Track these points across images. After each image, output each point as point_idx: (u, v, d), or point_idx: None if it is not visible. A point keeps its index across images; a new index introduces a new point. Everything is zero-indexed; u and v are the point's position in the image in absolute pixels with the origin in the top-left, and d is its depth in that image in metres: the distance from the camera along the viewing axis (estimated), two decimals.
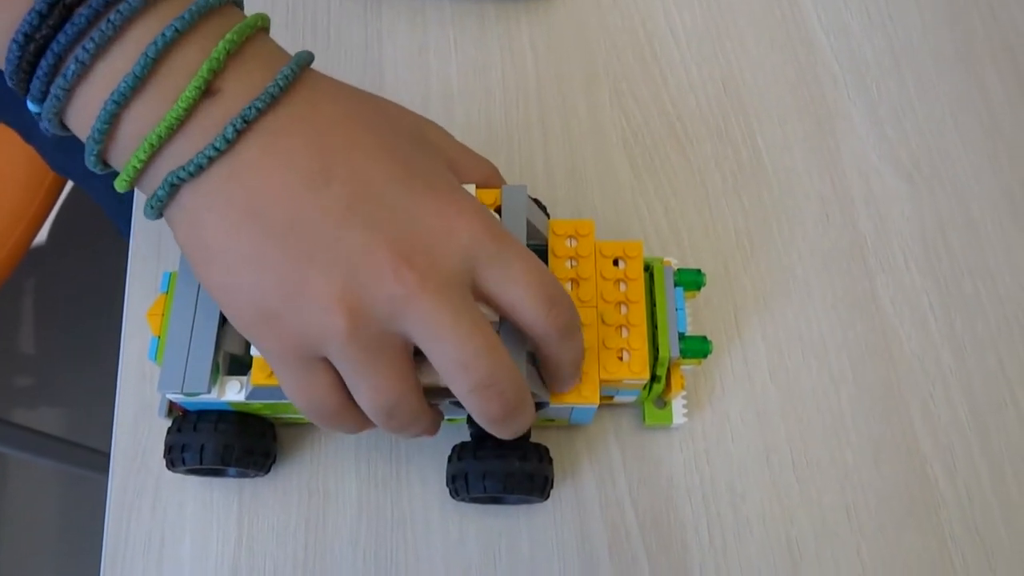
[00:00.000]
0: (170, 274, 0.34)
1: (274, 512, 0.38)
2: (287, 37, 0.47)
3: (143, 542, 0.37)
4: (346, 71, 0.47)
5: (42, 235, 1.27)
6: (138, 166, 0.27)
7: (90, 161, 0.27)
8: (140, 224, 0.43)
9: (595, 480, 0.39)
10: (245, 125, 0.26)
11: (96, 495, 1.10)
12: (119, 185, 0.28)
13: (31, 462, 1.14)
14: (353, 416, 0.30)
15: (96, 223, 1.16)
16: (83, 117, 0.27)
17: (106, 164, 0.28)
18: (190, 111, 0.26)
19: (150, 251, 0.42)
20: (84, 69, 0.26)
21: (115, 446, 0.38)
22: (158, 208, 0.27)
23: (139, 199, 0.43)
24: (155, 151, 0.26)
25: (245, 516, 0.37)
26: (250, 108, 0.26)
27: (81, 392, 1.19)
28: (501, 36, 0.48)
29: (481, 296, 0.29)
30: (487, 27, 0.48)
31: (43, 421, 1.19)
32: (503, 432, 0.30)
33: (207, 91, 0.26)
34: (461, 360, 0.27)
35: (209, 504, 0.37)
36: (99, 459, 1.00)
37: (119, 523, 0.37)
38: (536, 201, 0.39)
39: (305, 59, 0.29)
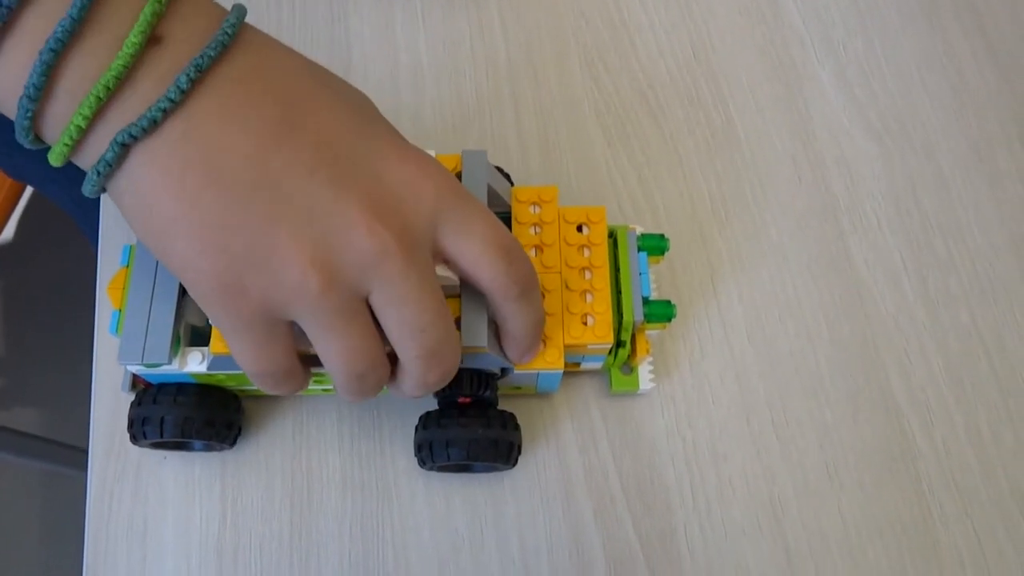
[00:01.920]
0: (130, 247, 0.33)
1: (257, 490, 0.37)
2: (251, 12, 0.46)
3: (125, 526, 0.36)
4: (312, 47, 0.46)
5: (8, 233, 1.25)
6: (82, 125, 0.24)
7: (22, 129, 0.24)
8: (109, 219, 0.43)
9: (578, 447, 0.39)
10: (199, 74, 0.24)
11: (75, 492, 1.08)
12: (55, 157, 0.25)
13: (8, 461, 1.12)
14: (301, 378, 0.29)
15: (66, 220, 1.14)
16: (13, 76, 0.24)
17: (39, 137, 0.25)
18: (136, 59, 0.24)
19: (120, 245, 0.42)
20: (11, 15, 0.23)
21: (93, 432, 0.38)
22: (105, 174, 0.25)
23: (106, 203, 0.42)
24: (101, 106, 0.24)
25: (228, 495, 0.37)
26: (203, 56, 0.24)
27: (56, 391, 1.18)
28: (469, 8, 0.48)
29: (440, 256, 0.28)
30: (455, 0, 0.48)
31: (19, 421, 1.18)
32: (419, 394, 0.30)
33: (151, 38, 0.24)
34: (418, 325, 0.26)
35: (191, 484, 0.37)
36: (77, 456, 0.99)
37: (100, 508, 0.37)
38: (499, 169, 0.39)
39: (244, 11, 0.27)
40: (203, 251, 0.25)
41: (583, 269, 0.35)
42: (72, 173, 0.28)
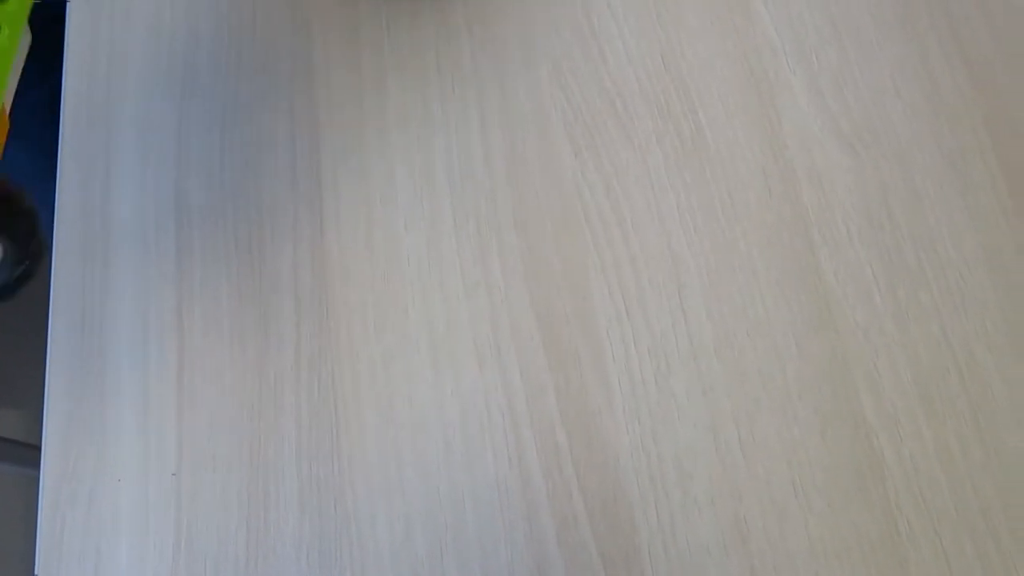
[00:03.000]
0: None
1: (213, 515, 0.37)
2: (213, 24, 0.46)
3: (77, 552, 0.36)
4: (274, 54, 0.46)
5: None
6: None
7: None
8: (64, 220, 0.42)
9: (541, 468, 0.38)
10: None
11: None
12: None
13: None
14: None
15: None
16: None
17: None
18: None
19: (75, 251, 0.41)
20: None
21: (45, 457, 0.37)
22: None
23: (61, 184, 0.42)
24: None
25: (183, 520, 0.37)
26: None
27: (39, 395, 1.17)
28: (435, 16, 0.47)
29: None
30: (420, 7, 0.47)
31: (2, 425, 1.17)
32: None
33: None
34: None
35: (145, 509, 0.37)
36: None
37: (51, 535, 0.36)
38: None
39: None
40: None
41: None
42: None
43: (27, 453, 1.00)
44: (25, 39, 0.34)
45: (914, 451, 0.40)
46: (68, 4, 0.50)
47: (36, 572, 0.36)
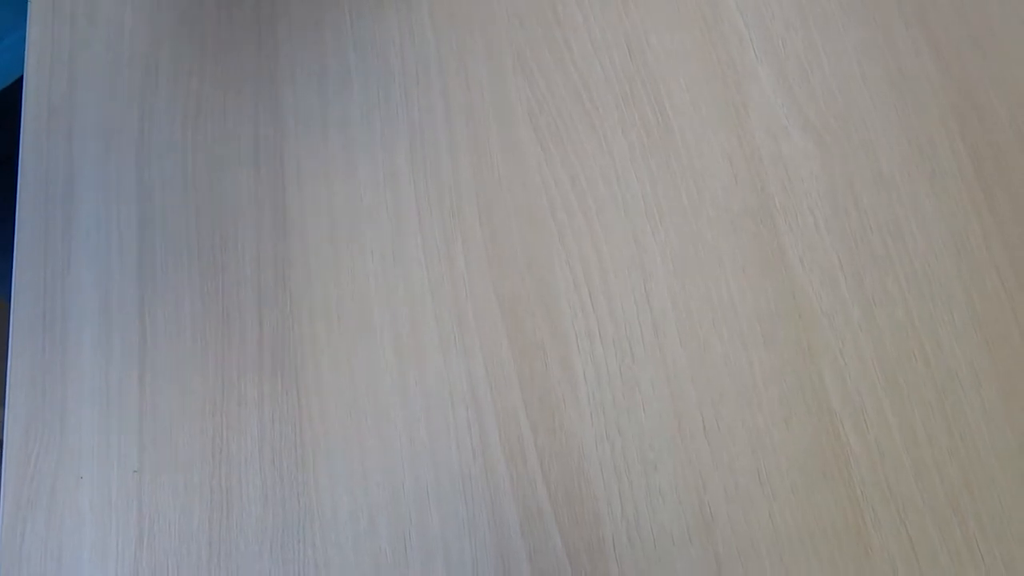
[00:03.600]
0: None
1: (175, 511, 0.37)
2: (175, 20, 0.45)
3: (40, 551, 0.36)
4: (239, 48, 0.45)
5: None
6: None
7: None
8: (25, 218, 0.42)
9: (505, 460, 0.38)
10: None
11: None
12: None
13: None
14: None
15: None
16: None
17: None
18: None
19: (36, 249, 0.41)
20: None
21: (6, 456, 0.37)
22: None
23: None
24: None
25: (146, 516, 0.36)
26: None
27: None
28: (400, 8, 0.47)
29: None
30: (384, 0, 0.47)
31: None
32: None
33: None
34: None
35: (107, 507, 0.37)
36: None
37: (13, 534, 0.36)
38: None
39: None
40: None
41: None
42: None
43: None
44: None
45: (880, 438, 0.40)
46: (29, 2, 0.50)
47: None
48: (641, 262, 0.42)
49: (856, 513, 0.39)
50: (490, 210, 0.44)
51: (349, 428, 0.37)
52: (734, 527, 0.38)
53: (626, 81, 0.46)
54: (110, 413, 0.40)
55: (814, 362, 0.41)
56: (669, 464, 0.39)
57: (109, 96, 0.48)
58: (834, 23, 0.48)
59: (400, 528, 0.37)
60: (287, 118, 0.46)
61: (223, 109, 0.47)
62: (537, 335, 0.41)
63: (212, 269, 0.44)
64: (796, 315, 0.42)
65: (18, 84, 0.52)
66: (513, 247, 0.43)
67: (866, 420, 0.40)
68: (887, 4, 0.48)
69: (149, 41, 0.48)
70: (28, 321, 0.40)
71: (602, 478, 0.38)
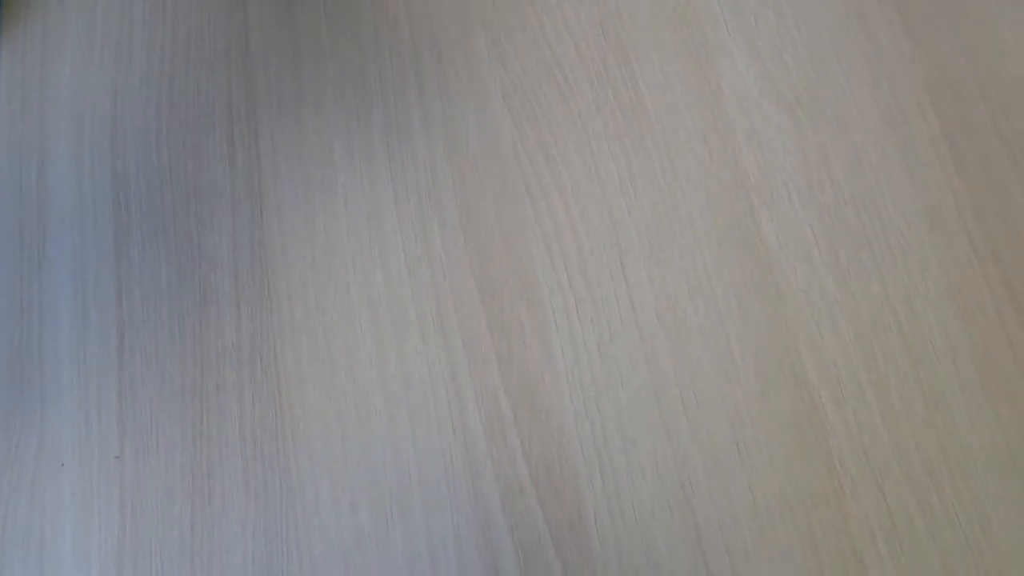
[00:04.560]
0: None
1: (157, 495, 0.37)
2: (147, 3, 0.45)
3: (21, 538, 0.36)
4: (211, 33, 0.45)
5: None
6: None
7: None
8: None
9: (485, 436, 0.39)
10: None
11: None
12: None
13: None
14: None
15: None
16: None
17: None
18: None
19: (12, 236, 0.41)
20: None
21: None
22: None
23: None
24: None
25: (128, 501, 0.37)
26: None
27: None
28: None
29: None
30: None
31: None
32: None
33: None
34: None
35: (88, 492, 0.37)
36: None
37: None
38: None
39: None
40: None
41: None
42: None
43: None
44: None
45: (856, 408, 0.40)
46: None
47: None
48: (617, 239, 0.43)
49: (834, 482, 0.39)
50: (466, 191, 0.44)
51: (328, 410, 0.37)
52: (713, 499, 0.38)
53: (599, 60, 0.46)
54: (89, 399, 0.40)
55: (790, 335, 0.41)
56: (648, 439, 0.39)
57: (81, 79, 0.48)
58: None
59: (382, 507, 0.37)
60: (260, 100, 0.46)
61: (196, 91, 0.47)
62: (515, 313, 0.42)
63: (189, 253, 0.44)
64: (772, 289, 0.42)
65: None
66: (489, 227, 0.43)
67: (843, 391, 0.41)
68: None
69: (120, 25, 0.48)
70: (4, 308, 0.40)
71: (582, 455, 0.39)
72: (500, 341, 0.41)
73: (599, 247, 0.42)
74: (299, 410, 0.38)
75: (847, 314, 0.42)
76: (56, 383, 0.41)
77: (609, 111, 0.45)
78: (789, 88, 0.46)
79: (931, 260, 0.43)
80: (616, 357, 0.40)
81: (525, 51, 0.46)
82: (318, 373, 0.41)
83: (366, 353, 0.41)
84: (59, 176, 0.47)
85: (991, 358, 0.41)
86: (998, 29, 0.46)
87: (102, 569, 0.36)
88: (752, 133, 0.45)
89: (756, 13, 0.47)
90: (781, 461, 0.39)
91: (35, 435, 0.35)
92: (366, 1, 0.46)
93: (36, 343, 0.42)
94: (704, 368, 0.41)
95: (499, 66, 0.46)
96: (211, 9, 0.46)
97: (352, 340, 0.42)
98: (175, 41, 0.47)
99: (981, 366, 0.41)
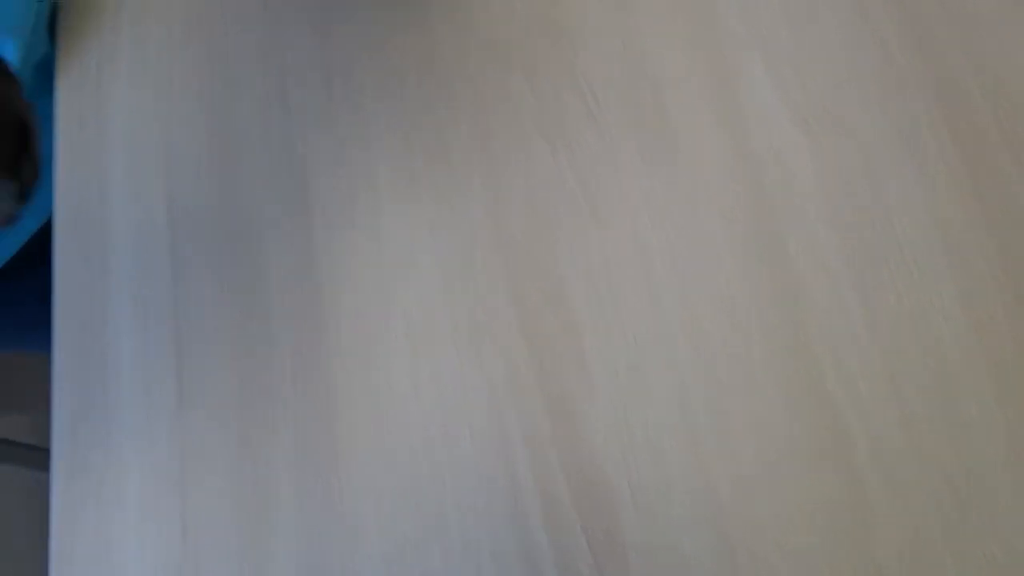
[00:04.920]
0: None
1: (216, 509, 0.39)
2: (189, 24, 0.47)
3: (90, 545, 0.38)
4: (257, 62, 0.47)
5: None
6: None
7: None
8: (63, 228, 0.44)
9: (525, 452, 0.40)
10: None
11: None
12: None
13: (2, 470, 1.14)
14: None
15: None
16: None
17: None
18: None
19: (75, 258, 0.43)
20: None
21: (55, 453, 0.39)
22: None
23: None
24: None
25: (189, 513, 0.39)
26: None
27: (43, 398, 1.19)
28: (407, 14, 0.48)
29: None
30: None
31: (10, 429, 1.19)
32: None
33: None
34: None
35: (152, 501, 0.39)
36: None
37: (64, 529, 0.38)
38: None
39: None
40: None
41: None
42: None
43: (34, 455, 1.02)
44: None
45: (878, 422, 0.42)
46: (60, 11, 0.52)
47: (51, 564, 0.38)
48: (643, 258, 0.44)
49: (858, 495, 0.41)
50: (500, 210, 0.46)
51: (371, 427, 0.39)
52: (740, 512, 0.40)
53: (627, 83, 0.48)
54: (149, 414, 0.43)
55: (812, 351, 0.43)
56: (676, 453, 0.41)
57: (134, 108, 0.50)
58: (819, 16, 0.49)
59: (423, 519, 0.39)
60: (305, 124, 0.48)
61: (243, 117, 0.49)
62: (549, 330, 0.43)
63: (241, 276, 0.46)
64: (794, 305, 0.44)
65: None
66: (524, 246, 0.45)
67: (864, 406, 0.42)
68: None
69: (170, 56, 0.50)
70: (70, 327, 0.42)
71: (615, 469, 0.40)
72: (536, 357, 0.43)
73: (627, 268, 0.44)
74: (347, 425, 0.40)
75: (867, 329, 0.43)
76: (117, 397, 0.43)
77: (636, 131, 0.47)
78: (806, 105, 0.47)
79: (945, 273, 0.44)
80: (645, 373, 0.42)
81: (557, 77, 0.48)
82: (364, 392, 0.43)
83: (405, 373, 0.43)
84: (117, 200, 0.49)
85: (1006, 369, 0.42)
86: (1008, 42, 0.47)
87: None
88: (772, 153, 0.46)
89: (774, 33, 0.49)
90: (805, 473, 0.41)
91: (101, 449, 0.37)
92: (402, 34, 0.48)
93: (99, 360, 0.44)
94: (728, 383, 0.42)
95: (531, 92, 0.47)
96: (256, 39, 0.48)
97: (393, 358, 0.44)
98: (223, 71, 0.49)
99: (996, 378, 0.42)
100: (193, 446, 0.39)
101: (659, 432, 0.41)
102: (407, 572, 0.38)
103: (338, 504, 0.39)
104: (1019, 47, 0.47)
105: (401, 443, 0.41)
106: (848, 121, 0.47)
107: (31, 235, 0.60)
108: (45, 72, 0.51)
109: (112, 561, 0.38)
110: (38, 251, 0.55)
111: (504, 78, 0.47)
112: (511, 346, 0.43)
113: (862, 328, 0.43)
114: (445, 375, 0.43)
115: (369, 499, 0.39)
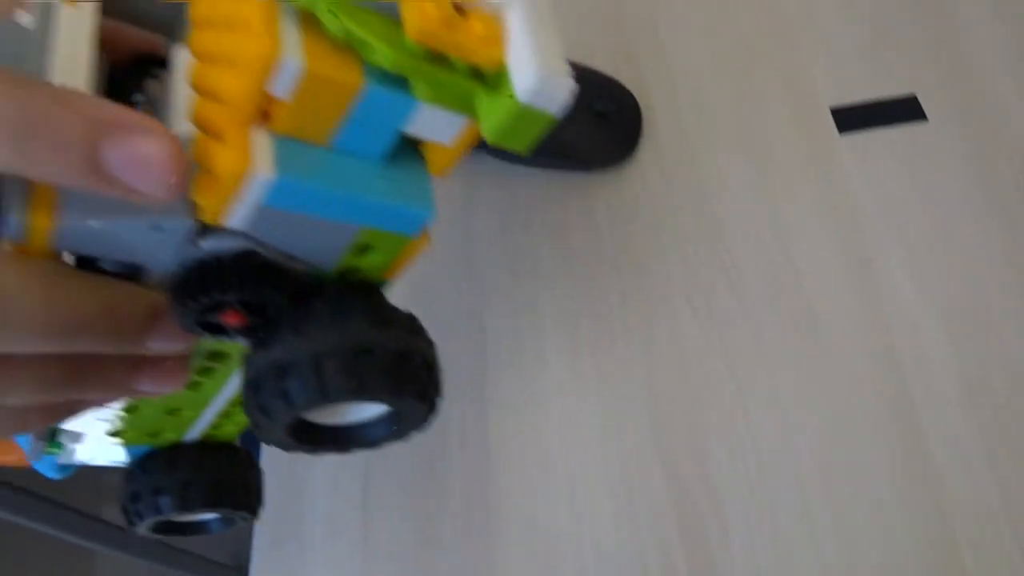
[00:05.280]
0: None
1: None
2: None
3: None
4: (440, 238, 0.54)
5: None
6: None
7: None
8: None
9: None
10: None
11: None
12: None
13: (119, 558, 1.18)
14: None
15: None
16: None
17: None
18: None
19: None
20: None
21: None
22: None
23: None
24: None
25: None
26: None
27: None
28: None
29: None
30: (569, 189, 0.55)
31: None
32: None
33: None
34: None
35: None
36: (189, 559, 1.05)
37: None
38: None
39: None
40: None
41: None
42: None
43: (155, 547, 1.06)
44: None
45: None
46: None
47: None
48: (790, 441, 0.48)
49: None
50: (655, 385, 0.50)
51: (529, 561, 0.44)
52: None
53: (770, 265, 0.52)
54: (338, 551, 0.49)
55: (956, 550, 0.44)
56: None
57: None
58: (960, 216, 0.52)
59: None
60: (487, 304, 0.55)
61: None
62: (698, 508, 0.47)
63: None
64: (935, 503, 0.45)
65: None
66: (675, 420, 0.49)
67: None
68: (1006, 186, 0.53)
69: None
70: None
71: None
72: (682, 529, 0.46)
73: (774, 451, 0.47)
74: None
75: (1009, 526, 0.45)
76: (312, 537, 0.49)
77: (782, 322, 0.51)
78: (946, 301, 0.50)
79: None
80: (787, 548, 0.45)
81: (707, 259, 0.53)
82: (527, 542, 0.48)
83: (567, 528, 0.48)
84: None
85: None
86: None
87: None
88: (914, 347, 0.49)
89: (909, 228, 0.52)
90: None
91: (305, 566, 0.42)
92: (575, 227, 0.55)
93: (295, 514, 0.51)
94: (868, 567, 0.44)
95: (686, 273, 0.53)
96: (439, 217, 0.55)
97: (557, 516, 0.48)
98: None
99: None
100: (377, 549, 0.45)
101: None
102: None
103: None
104: None
105: None
106: (987, 315, 0.49)
107: None
108: None
109: None
110: None
111: (664, 264, 0.53)
112: (660, 514, 0.47)
113: (1004, 525, 0.45)
114: (605, 539, 0.47)
115: None
